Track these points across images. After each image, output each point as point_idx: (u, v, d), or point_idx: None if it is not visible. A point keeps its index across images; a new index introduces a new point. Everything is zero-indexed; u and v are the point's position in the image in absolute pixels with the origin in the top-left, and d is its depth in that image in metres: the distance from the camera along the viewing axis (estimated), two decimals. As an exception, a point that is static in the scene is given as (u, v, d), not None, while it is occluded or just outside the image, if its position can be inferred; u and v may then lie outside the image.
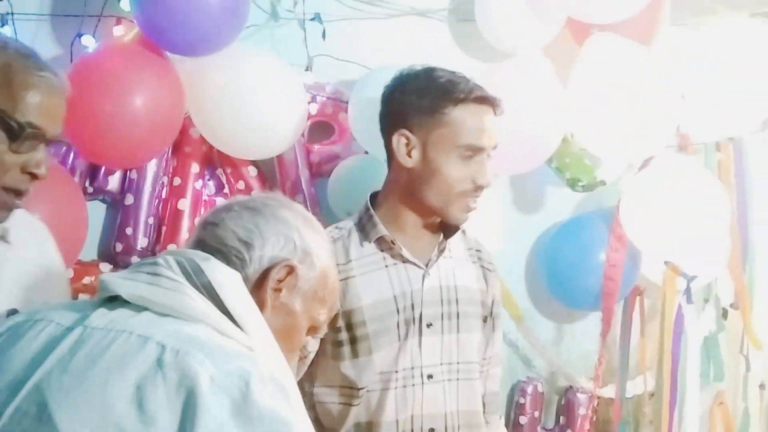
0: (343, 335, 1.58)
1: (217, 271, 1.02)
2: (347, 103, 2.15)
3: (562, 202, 2.44)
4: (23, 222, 1.40)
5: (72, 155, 2.06)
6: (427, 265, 1.61)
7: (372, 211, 1.63)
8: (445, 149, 1.55)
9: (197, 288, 1.00)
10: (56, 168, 1.99)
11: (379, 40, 2.26)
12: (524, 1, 2.15)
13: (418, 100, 1.57)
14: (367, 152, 2.18)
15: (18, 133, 1.23)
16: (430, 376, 1.58)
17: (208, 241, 1.09)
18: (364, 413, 1.58)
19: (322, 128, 2.29)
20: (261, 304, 1.06)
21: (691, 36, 2.40)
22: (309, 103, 2.17)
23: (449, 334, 1.60)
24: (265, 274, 1.07)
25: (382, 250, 1.61)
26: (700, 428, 2.52)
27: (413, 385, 1.57)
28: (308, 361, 1.59)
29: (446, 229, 1.65)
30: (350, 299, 1.57)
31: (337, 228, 1.65)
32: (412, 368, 1.58)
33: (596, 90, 2.17)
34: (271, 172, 2.23)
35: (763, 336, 2.65)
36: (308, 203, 2.20)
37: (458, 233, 1.67)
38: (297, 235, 1.11)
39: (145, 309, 0.98)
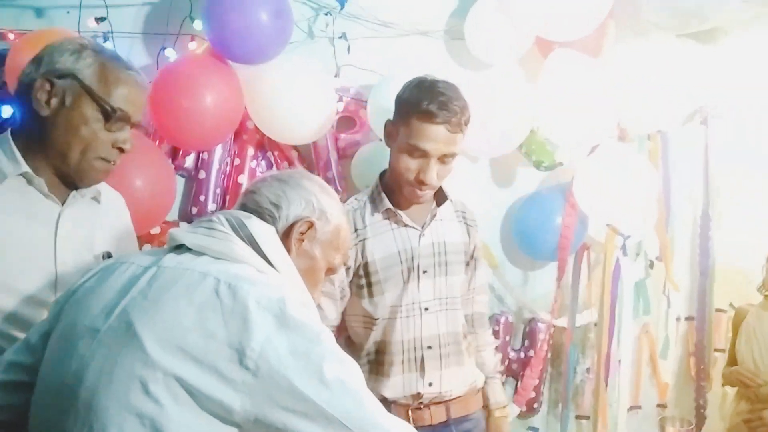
0: (363, 281, 1.60)
1: (256, 226, 1.03)
2: (366, 102, 2.14)
3: (529, 178, 2.43)
4: (108, 191, 1.43)
5: (158, 140, 2.06)
6: (423, 227, 1.61)
7: (380, 187, 1.63)
8: (401, 144, 1.53)
9: (242, 238, 1.01)
10: (158, 152, 2.00)
11: (391, 53, 2.24)
12: (502, 23, 2.12)
13: (400, 102, 1.57)
14: (381, 140, 2.16)
15: (111, 115, 1.25)
16: (426, 309, 1.61)
17: (249, 204, 1.10)
18: (380, 335, 1.61)
19: (347, 121, 2.28)
20: (288, 251, 1.07)
21: (630, 51, 2.37)
22: (337, 102, 2.16)
23: (440, 277, 1.62)
24: (290, 228, 1.08)
25: (388, 218, 1.61)
26: (630, 350, 2.53)
27: (414, 315, 1.60)
28: (346, 300, 1.62)
29: (437, 198, 1.64)
30: (366, 254, 1.59)
31: (355, 200, 1.66)
32: (413, 303, 1.60)
33: (557, 93, 2.15)
34: (308, 155, 2.22)
35: (680, 281, 2.65)
36: (336, 178, 2.20)
37: (447, 201, 1.67)
38: (315, 199, 1.12)
39: (203, 254, 0.99)
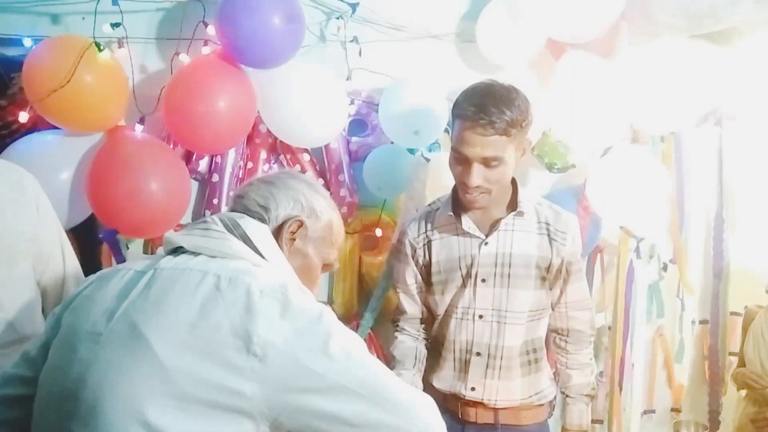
0: (428, 279, 1.67)
1: (250, 225, 1.05)
2: (378, 105, 2.16)
3: (542, 181, 2.43)
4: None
5: (172, 144, 2.09)
6: (487, 235, 1.61)
7: (452, 192, 1.64)
8: (451, 147, 1.55)
9: (236, 237, 1.03)
10: (173, 156, 2.03)
11: (403, 57, 2.26)
12: (513, 26, 2.13)
13: (453, 106, 1.56)
14: (392, 142, 2.19)
15: None
16: (480, 316, 1.62)
17: (238, 209, 1.12)
18: (439, 329, 1.69)
19: (358, 124, 2.30)
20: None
21: (643, 53, 2.36)
22: (349, 105, 2.18)
23: (500, 288, 1.61)
24: (280, 228, 1.09)
25: (454, 223, 1.63)
26: (644, 354, 2.53)
27: (468, 319, 1.63)
28: (423, 295, 1.72)
29: (509, 207, 1.63)
30: (431, 255, 1.65)
31: (434, 202, 1.72)
32: (468, 308, 1.63)
33: (569, 95, 2.15)
34: (320, 158, 2.24)
35: (694, 284, 2.64)
36: (348, 181, 2.22)
37: (532, 208, 1.63)
38: (303, 198, 1.12)
39: (200, 254, 1.01)
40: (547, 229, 1.63)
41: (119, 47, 2.03)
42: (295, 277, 1.07)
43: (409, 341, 1.73)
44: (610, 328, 2.41)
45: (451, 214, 1.62)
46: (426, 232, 1.67)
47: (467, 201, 1.57)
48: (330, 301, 2.33)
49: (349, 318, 2.33)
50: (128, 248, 2.05)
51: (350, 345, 0.94)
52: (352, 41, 2.19)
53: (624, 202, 2.17)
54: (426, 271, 1.67)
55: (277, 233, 1.09)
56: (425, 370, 1.73)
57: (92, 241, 2.03)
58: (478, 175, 1.50)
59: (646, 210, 2.21)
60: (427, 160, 2.20)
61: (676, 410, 2.67)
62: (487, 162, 1.50)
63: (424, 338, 1.76)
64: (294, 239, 1.10)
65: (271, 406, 0.89)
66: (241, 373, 0.88)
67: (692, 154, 2.55)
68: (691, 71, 2.42)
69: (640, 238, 2.26)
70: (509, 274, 1.60)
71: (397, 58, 2.25)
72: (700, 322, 2.70)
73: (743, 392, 2.32)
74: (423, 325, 1.76)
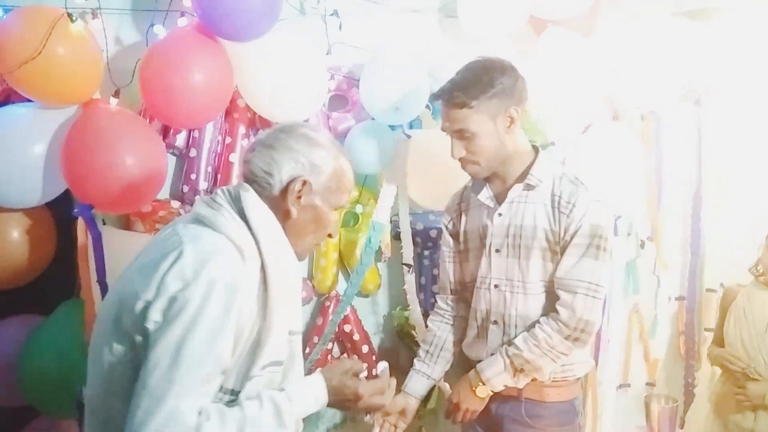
0: (458, 247, 1.78)
1: (250, 200, 1.16)
2: (358, 80, 2.14)
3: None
4: None
5: (148, 118, 2.06)
6: (499, 206, 1.66)
7: None
8: None
9: (236, 210, 1.15)
10: (149, 130, 2.00)
11: (384, 31, 2.23)
12: (495, 1, 2.11)
13: None
14: (373, 119, 2.17)
15: None
16: (496, 286, 1.67)
17: (248, 175, 1.22)
18: (468, 299, 1.76)
19: (339, 100, 2.28)
20: (287, 211, 1.19)
21: (623, 31, 2.36)
22: (329, 80, 2.16)
23: (512, 259, 1.65)
24: (286, 189, 1.19)
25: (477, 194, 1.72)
26: (621, 329, 2.56)
27: (485, 289, 1.69)
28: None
29: (519, 178, 1.65)
30: (460, 225, 1.76)
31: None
32: (485, 278, 1.69)
33: (550, 72, 2.14)
34: (300, 133, 2.21)
35: (671, 261, 2.67)
36: (328, 157, 2.20)
37: (550, 181, 1.62)
38: (303, 157, 1.20)
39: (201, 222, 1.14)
40: (558, 203, 1.61)
41: (93, 18, 1.98)
42: (282, 252, 1.16)
43: (436, 326, 1.81)
44: (587, 304, 2.43)
45: (469, 188, 1.73)
46: (459, 203, 1.78)
47: (468, 173, 1.67)
48: (310, 277, 2.33)
49: (329, 295, 2.33)
50: (104, 223, 2.03)
51: (190, 360, 1.00)
52: (332, 15, 2.15)
53: (603, 179, 2.18)
54: (456, 241, 1.77)
55: (284, 194, 1.18)
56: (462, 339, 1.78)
57: (67, 216, 2.00)
58: (456, 148, 1.61)
59: (624, 187, 2.23)
60: (408, 136, 2.19)
61: (651, 384, 2.72)
62: (460, 135, 1.60)
63: (453, 315, 1.80)
64: (300, 197, 1.19)
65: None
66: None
67: (671, 132, 2.56)
68: (672, 49, 2.42)
69: (618, 215, 2.27)
70: (520, 245, 1.64)
71: (378, 33, 2.22)
72: (677, 299, 2.74)
73: (716, 368, 2.36)
74: (453, 297, 1.81)
